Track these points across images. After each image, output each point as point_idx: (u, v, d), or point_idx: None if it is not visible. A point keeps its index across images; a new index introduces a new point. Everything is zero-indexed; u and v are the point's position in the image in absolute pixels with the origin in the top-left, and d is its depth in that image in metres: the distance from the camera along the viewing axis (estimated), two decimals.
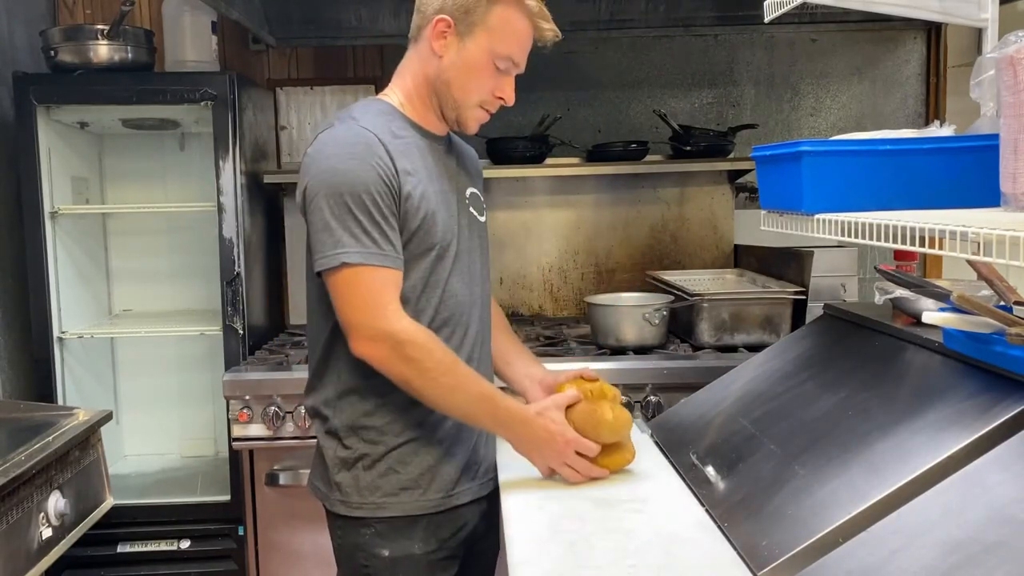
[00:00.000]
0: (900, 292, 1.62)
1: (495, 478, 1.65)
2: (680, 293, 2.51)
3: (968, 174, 1.32)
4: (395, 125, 1.55)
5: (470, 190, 1.69)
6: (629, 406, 2.28)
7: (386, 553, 1.54)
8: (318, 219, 1.45)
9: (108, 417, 2.18)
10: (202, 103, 2.56)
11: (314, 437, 1.62)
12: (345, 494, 1.55)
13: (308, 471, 1.70)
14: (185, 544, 2.63)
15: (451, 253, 1.56)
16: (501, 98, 1.57)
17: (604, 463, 1.53)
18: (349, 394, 1.55)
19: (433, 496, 1.56)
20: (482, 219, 1.70)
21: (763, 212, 1.63)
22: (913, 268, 2.11)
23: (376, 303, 1.44)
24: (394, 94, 1.61)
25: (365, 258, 1.43)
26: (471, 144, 1.82)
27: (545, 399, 1.58)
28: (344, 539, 1.58)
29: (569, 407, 1.55)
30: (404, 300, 1.50)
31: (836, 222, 1.32)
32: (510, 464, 1.68)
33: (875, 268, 2.47)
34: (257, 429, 2.36)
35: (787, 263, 2.61)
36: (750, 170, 2.93)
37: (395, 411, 1.54)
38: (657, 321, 2.42)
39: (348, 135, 1.48)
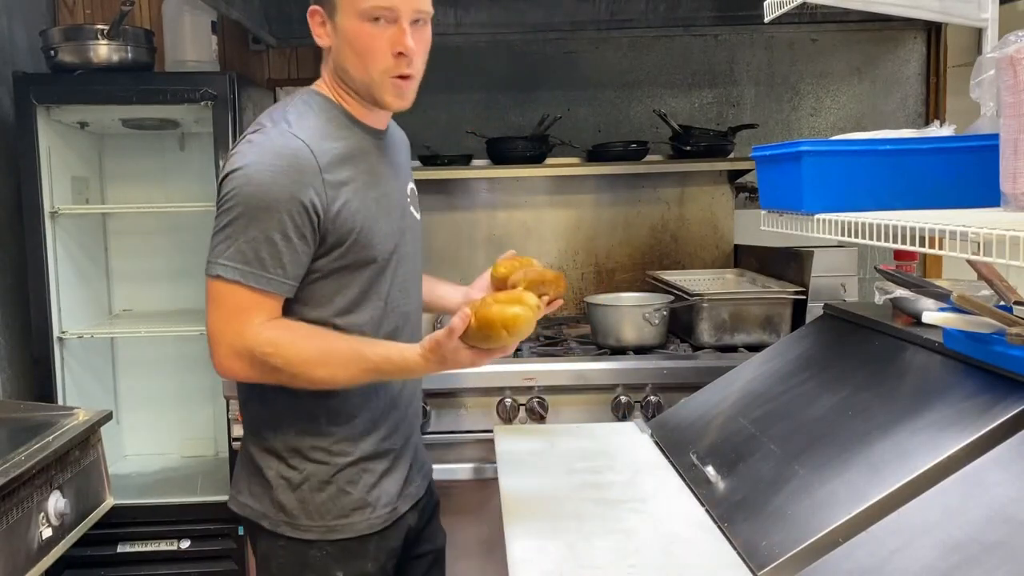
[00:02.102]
0: (900, 292, 1.63)
1: (426, 474, 1.68)
2: (680, 293, 2.51)
3: (968, 174, 1.32)
4: (334, 124, 1.47)
5: (410, 186, 1.63)
6: (629, 406, 2.28)
7: (340, 574, 1.50)
8: (221, 221, 1.39)
9: (108, 417, 2.17)
10: (202, 103, 2.56)
11: None
12: (292, 516, 1.50)
13: None
14: (185, 544, 2.63)
15: (392, 263, 1.51)
16: (401, 53, 1.41)
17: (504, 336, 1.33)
18: (292, 414, 1.49)
19: (381, 512, 1.53)
20: (418, 216, 1.64)
21: (763, 212, 1.63)
22: (913, 268, 2.12)
23: (238, 320, 1.37)
24: (327, 87, 1.51)
25: (243, 276, 1.36)
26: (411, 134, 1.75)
27: (434, 333, 1.39)
28: (288, 560, 1.51)
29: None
30: (343, 314, 1.46)
31: (836, 222, 1.32)
32: (510, 464, 1.68)
33: (875, 268, 2.47)
34: None
35: (787, 263, 2.61)
36: (750, 170, 2.92)
37: (341, 430, 1.50)
38: (657, 321, 2.42)
39: (276, 144, 1.39)
